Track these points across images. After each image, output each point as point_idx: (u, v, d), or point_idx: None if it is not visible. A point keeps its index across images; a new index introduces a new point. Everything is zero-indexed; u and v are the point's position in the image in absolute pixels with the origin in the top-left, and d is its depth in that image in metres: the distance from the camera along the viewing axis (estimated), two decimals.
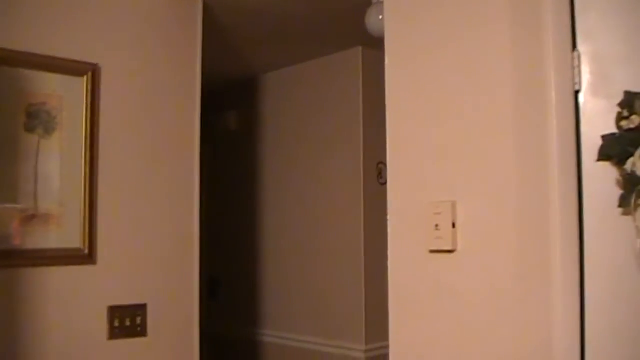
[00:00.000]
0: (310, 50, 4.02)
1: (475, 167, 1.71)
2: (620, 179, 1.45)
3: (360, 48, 3.90)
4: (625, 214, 1.45)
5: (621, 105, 1.45)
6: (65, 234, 2.49)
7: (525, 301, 1.59)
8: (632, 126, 1.42)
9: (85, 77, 2.56)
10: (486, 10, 1.71)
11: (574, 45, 1.57)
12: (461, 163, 1.74)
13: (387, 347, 1.97)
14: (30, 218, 2.41)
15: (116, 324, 2.58)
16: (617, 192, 1.46)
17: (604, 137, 1.47)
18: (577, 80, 1.56)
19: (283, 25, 3.51)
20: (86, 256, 2.53)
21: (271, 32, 3.63)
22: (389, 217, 1.93)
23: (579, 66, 1.56)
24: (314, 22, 3.45)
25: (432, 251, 1.79)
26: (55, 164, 2.48)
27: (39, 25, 2.48)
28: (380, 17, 2.44)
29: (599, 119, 1.52)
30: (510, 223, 1.63)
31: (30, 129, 2.43)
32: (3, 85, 2.37)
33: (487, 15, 1.71)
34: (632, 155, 1.42)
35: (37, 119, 2.45)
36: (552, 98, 1.56)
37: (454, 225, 1.74)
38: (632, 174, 1.42)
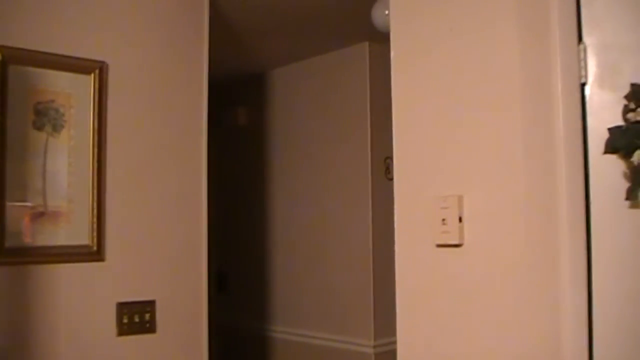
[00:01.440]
0: (318, 46, 4.02)
1: (481, 161, 1.71)
2: (627, 171, 1.45)
3: (367, 43, 3.90)
4: (632, 206, 1.45)
5: (628, 97, 1.44)
6: (73, 230, 2.50)
7: (533, 294, 1.59)
8: (638, 118, 1.42)
9: (92, 75, 2.57)
10: (492, 3, 1.71)
11: (580, 38, 1.57)
12: (468, 157, 1.74)
13: (395, 342, 1.97)
14: (39, 215, 2.43)
15: (125, 320, 2.59)
16: (624, 184, 1.45)
17: (610, 130, 1.47)
18: (583, 72, 1.56)
19: (290, 21, 3.51)
20: (94, 253, 2.54)
21: (278, 28, 3.63)
22: (395, 211, 1.93)
23: (585, 59, 1.56)
24: (321, 17, 3.44)
25: (439, 245, 1.79)
26: (63, 161, 2.49)
27: (46, 24, 2.49)
28: (387, 12, 2.44)
29: (606, 112, 1.52)
30: (517, 217, 1.63)
31: (38, 127, 2.45)
32: (11, 84, 2.38)
33: (493, 9, 1.70)
34: (638, 147, 1.42)
35: (46, 117, 2.46)
36: (559, 91, 1.56)
37: (460, 219, 1.74)
38: (639, 167, 1.41)
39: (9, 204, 2.35)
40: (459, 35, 1.78)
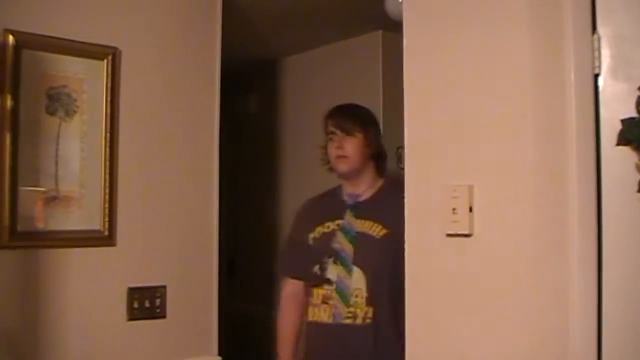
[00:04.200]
0: (331, 34, 4.01)
1: (492, 150, 1.70)
2: None
3: (380, 32, 3.88)
4: None
5: None
6: (85, 215, 2.52)
7: (542, 286, 1.58)
8: None
9: (105, 61, 2.58)
10: None
11: (594, 28, 1.55)
12: (479, 147, 1.73)
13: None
14: (52, 200, 2.44)
15: (135, 305, 2.61)
16: (637, 176, 1.44)
17: (623, 121, 1.46)
18: (596, 63, 1.54)
19: (303, 9, 3.50)
20: (106, 237, 2.56)
21: (291, 16, 3.62)
22: (406, 200, 1.93)
23: (599, 49, 1.54)
24: (334, 5, 3.43)
25: (449, 235, 1.78)
26: (75, 146, 2.51)
27: (59, 9, 2.50)
28: (400, 0, 2.42)
29: (619, 103, 1.50)
30: (528, 207, 1.62)
31: (51, 112, 2.46)
32: (25, 68, 2.39)
33: None
34: None
35: (58, 102, 2.47)
36: (571, 81, 1.54)
37: (471, 209, 1.73)
38: None
39: (21, 188, 2.37)
40: (472, 24, 1.77)
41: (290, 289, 2.74)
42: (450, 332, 1.79)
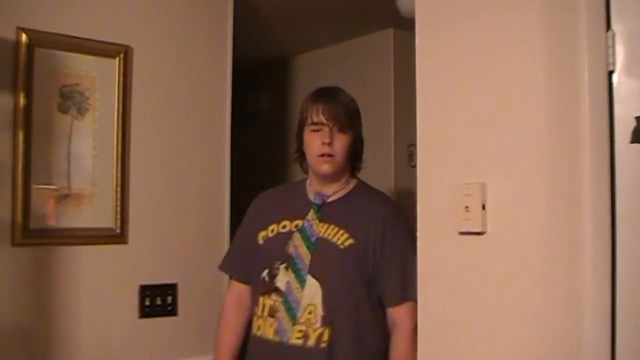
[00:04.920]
0: (342, 32, 4.00)
1: (505, 148, 1.69)
2: None
3: (391, 30, 3.87)
4: None
5: None
6: (97, 213, 2.53)
7: (556, 284, 1.58)
8: None
9: (117, 59, 2.59)
10: None
11: (609, 25, 1.54)
12: (492, 144, 1.73)
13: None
14: (64, 197, 2.45)
15: (147, 302, 2.62)
16: None
17: (637, 119, 1.45)
18: (611, 60, 1.53)
19: (315, 7, 3.49)
20: (118, 235, 2.57)
21: (302, 14, 3.61)
22: (418, 198, 1.92)
23: (613, 46, 1.53)
24: (345, 3, 3.42)
25: (462, 233, 1.77)
26: (87, 144, 2.51)
27: (72, 7, 2.50)
28: None
29: (633, 100, 1.49)
30: (541, 205, 1.61)
31: (63, 110, 2.47)
32: (37, 67, 2.40)
33: None
34: None
35: (70, 100, 2.48)
36: (585, 78, 1.53)
37: (483, 207, 1.72)
38: None
39: (34, 186, 2.38)
40: (484, 22, 1.76)
41: (235, 292, 2.36)
42: (462, 331, 1.78)
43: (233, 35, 2.96)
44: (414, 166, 1.99)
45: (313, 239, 2.15)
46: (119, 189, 2.56)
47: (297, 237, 2.17)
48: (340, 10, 3.54)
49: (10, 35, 2.34)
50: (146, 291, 2.62)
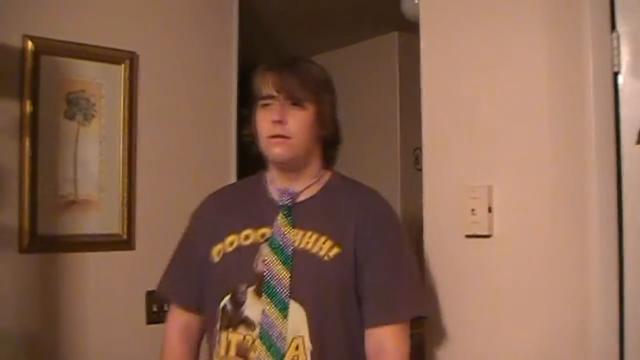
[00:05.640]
0: (346, 36, 4.01)
1: (511, 150, 1.69)
2: None
3: (396, 33, 3.88)
4: None
5: None
6: (104, 219, 2.53)
7: (563, 287, 1.57)
8: None
9: (123, 65, 2.59)
10: None
11: (613, 26, 1.54)
12: (497, 146, 1.73)
13: (419, 333, 1.97)
14: (70, 204, 2.46)
15: (154, 309, 2.62)
16: None
17: None
18: (616, 61, 1.53)
19: (319, 11, 3.50)
20: (124, 241, 2.57)
21: (307, 18, 3.62)
22: (424, 201, 1.92)
23: (619, 47, 1.53)
24: (349, 7, 3.43)
25: (468, 236, 1.77)
26: (94, 151, 2.52)
27: (77, 14, 2.51)
28: (416, 1, 2.42)
29: (639, 101, 1.49)
30: (548, 207, 1.61)
31: (70, 116, 2.47)
32: (43, 74, 2.41)
33: None
34: None
35: (77, 106, 2.49)
36: (590, 80, 1.53)
37: (490, 210, 1.72)
38: None
39: (41, 192, 2.38)
40: (489, 24, 1.77)
41: (179, 321, 1.83)
42: (467, 332, 1.78)
43: (238, 40, 2.96)
44: (420, 169, 1.99)
45: (288, 252, 1.64)
46: (125, 194, 2.57)
47: (266, 250, 1.65)
48: (345, 14, 3.55)
49: (16, 42, 2.35)
50: (154, 297, 2.62)
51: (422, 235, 1.93)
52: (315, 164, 1.78)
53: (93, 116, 2.52)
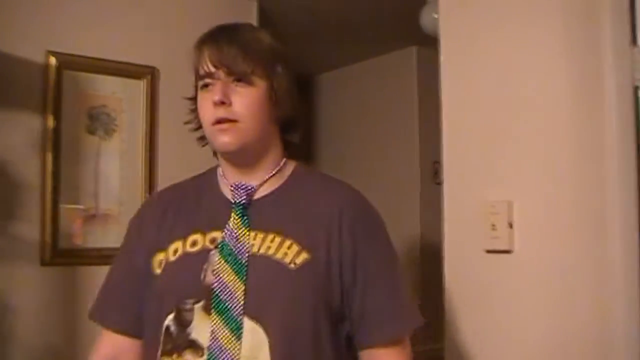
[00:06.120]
0: (365, 50, 4.01)
1: (532, 166, 1.68)
2: None
3: (415, 47, 3.88)
4: None
5: None
6: (124, 233, 2.53)
7: (585, 304, 1.56)
8: None
9: (143, 80, 2.62)
10: (541, 7, 1.68)
11: (634, 40, 1.53)
12: (518, 162, 1.72)
13: (438, 349, 1.96)
14: (91, 217, 2.48)
15: None
16: None
17: None
18: (637, 76, 1.52)
19: (337, 26, 3.51)
20: None
21: (325, 33, 3.64)
22: (444, 216, 1.92)
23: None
24: (368, 22, 3.44)
25: (489, 251, 1.76)
26: (115, 165, 2.54)
27: (98, 30, 2.54)
28: (435, 15, 2.42)
29: None
30: (568, 223, 1.60)
31: (91, 131, 2.50)
32: (66, 89, 2.44)
33: (543, 13, 1.68)
34: None
35: (98, 121, 2.51)
36: (611, 95, 1.53)
37: (510, 225, 1.71)
38: None
39: (62, 206, 2.40)
40: (507, 39, 1.76)
41: (105, 349, 1.49)
42: (488, 348, 1.76)
43: None
44: (439, 183, 1.98)
45: (243, 259, 1.33)
46: None
47: (216, 258, 1.35)
48: (363, 28, 3.56)
49: (39, 58, 2.38)
50: None
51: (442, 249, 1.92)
52: (274, 152, 1.46)
53: (114, 131, 2.54)
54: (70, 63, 2.44)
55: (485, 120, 1.81)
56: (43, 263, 2.35)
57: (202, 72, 1.42)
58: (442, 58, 1.95)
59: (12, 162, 2.33)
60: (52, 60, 2.40)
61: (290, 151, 1.49)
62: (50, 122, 2.38)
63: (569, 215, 1.59)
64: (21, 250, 2.34)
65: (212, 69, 1.40)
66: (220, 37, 1.43)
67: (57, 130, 2.40)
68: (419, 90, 3.85)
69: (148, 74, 2.63)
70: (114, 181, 2.53)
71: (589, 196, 1.56)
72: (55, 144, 2.39)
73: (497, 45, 1.80)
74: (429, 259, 3.70)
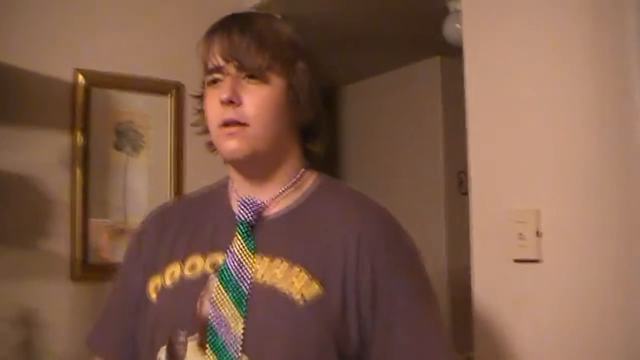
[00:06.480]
0: (389, 61, 4.02)
1: (559, 173, 1.67)
2: None
3: (438, 57, 3.88)
4: None
5: None
6: None
7: (615, 314, 1.54)
8: None
9: (169, 95, 2.65)
10: (567, 14, 1.67)
11: None
12: (545, 170, 1.71)
13: (469, 359, 1.95)
14: (120, 232, 2.50)
15: None
16: None
17: None
18: None
19: (361, 37, 3.52)
20: None
21: (349, 44, 3.64)
22: (471, 226, 1.91)
23: None
24: (392, 32, 3.45)
25: (517, 260, 1.75)
26: (142, 180, 2.57)
27: (123, 46, 2.58)
28: (458, 25, 2.42)
29: None
30: (598, 231, 1.58)
31: (119, 147, 2.53)
32: (93, 106, 2.48)
33: (567, 18, 1.67)
34: None
35: (125, 138, 2.54)
36: (638, 101, 1.51)
37: (538, 234, 1.70)
38: None
39: (91, 220, 2.43)
40: (533, 47, 1.75)
41: None
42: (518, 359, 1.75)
43: None
44: (465, 193, 1.98)
45: (244, 288, 1.15)
46: None
47: (215, 285, 1.18)
48: (387, 39, 3.56)
49: (68, 76, 2.43)
50: None
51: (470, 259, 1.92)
52: (291, 163, 1.27)
53: (141, 147, 2.57)
54: (97, 81, 2.48)
55: (511, 128, 1.81)
56: (74, 278, 2.38)
57: (210, 65, 1.24)
58: (467, 67, 1.95)
59: (42, 178, 2.37)
60: (80, 78, 2.44)
61: (312, 162, 1.32)
62: (79, 139, 2.42)
63: (597, 223, 1.58)
64: (52, 265, 2.37)
65: (222, 63, 1.21)
66: (232, 25, 1.22)
67: (85, 147, 2.44)
68: (442, 100, 3.85)
69: (173, 89, 2.65)
70: (141, 196, 2.56)
71: (617, 203, 1.55)
72: (83, 160, 2.43)
73: (522, 53, 1.79)
74: (456, 269, 3.69)
